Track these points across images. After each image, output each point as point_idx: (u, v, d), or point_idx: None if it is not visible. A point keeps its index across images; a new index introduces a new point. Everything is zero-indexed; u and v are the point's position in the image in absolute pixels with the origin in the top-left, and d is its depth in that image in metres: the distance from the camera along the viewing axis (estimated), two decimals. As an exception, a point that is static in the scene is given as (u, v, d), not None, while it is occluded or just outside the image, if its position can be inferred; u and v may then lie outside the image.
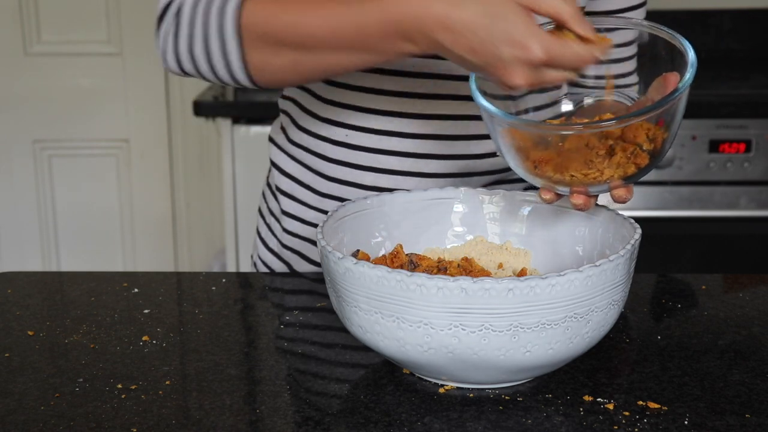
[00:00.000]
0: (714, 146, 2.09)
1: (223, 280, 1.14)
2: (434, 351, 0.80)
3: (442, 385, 0.86)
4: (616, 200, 0.88)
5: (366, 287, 0.80)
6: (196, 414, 0.82)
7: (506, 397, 0.84)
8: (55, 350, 0.95)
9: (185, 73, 1.00)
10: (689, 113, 2.32)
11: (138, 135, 2.77)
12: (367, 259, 0.93)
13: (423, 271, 0.91)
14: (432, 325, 0.78)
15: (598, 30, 0.99)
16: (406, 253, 0.94)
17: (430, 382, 0.87)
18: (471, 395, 0.85)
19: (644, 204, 2.09)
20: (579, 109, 1.04)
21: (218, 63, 0.96)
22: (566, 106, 1.08)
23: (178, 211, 2.84)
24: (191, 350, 0.95)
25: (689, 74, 0.84)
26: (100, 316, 1.02)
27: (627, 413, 0.81)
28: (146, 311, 1.04)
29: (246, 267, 2.32)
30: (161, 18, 0.99)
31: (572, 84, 1.26)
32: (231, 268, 2.36)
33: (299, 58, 0.93)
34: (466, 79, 1.06)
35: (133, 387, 0.86)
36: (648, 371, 0.90)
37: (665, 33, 0.92)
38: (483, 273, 0.94)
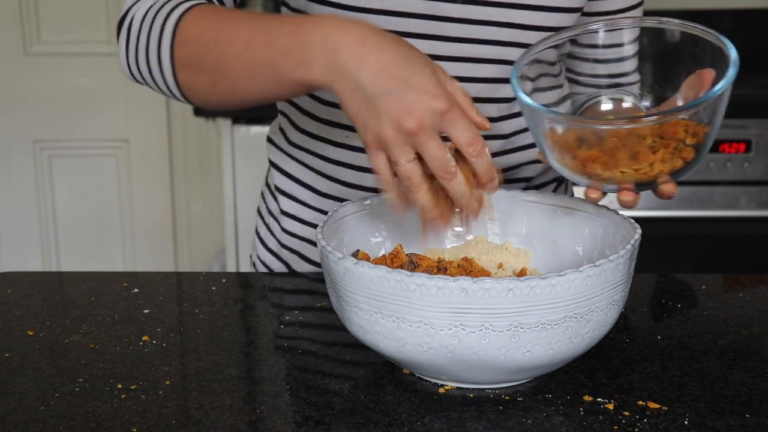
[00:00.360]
0: (714, 146, 2.09)
1: (223, 280, 1.14)
2: (434, 351, 0.80)
3: (442, 385, 0.86)
4: (664, 196, 0.89)
5: (366, 287, 0.80)
6: (196, 414, 0.82)
7: (506, 397, 0.84)
8: (55, 350, 0.95)
9: (140, 83, 1.01)
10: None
11: (138, 135, 2.77)
12: (367, 259, 0.93)
13: (423, 271, 0.91)
14: (432, 325, 0.78)
15: (610, 30, 1.00)
16: (406, 253, 0.94)
17: (430, 382, 0.87)
18: (471, 395, 0.85)
19: (644, 204, 2.09)
20: (616, 108, 1.05)
21: (157, 78, 0.98)
22: (606, 105, 1.09)
23: (178, 211, 2.84)
24: (191, 350, 0.95)
25: (732, 71, 0.85)
26: (100, 316, 1.02)
27: (627, 413, 0.81)
28: (146, 311, 1.04)
29: (246, 267, 2.32)
30: (119, 27, 1.00)
31: (572, 81, 1.26)
32: (231, 268, 2.36)
33: (216, 79, 0.93)
34: (467, 80, 1.06)
35: (133, 387, 0.86)
36: (648, 371, 0.90)
37: (699, 30, 0.93)
38: (483, 273, 0.94)
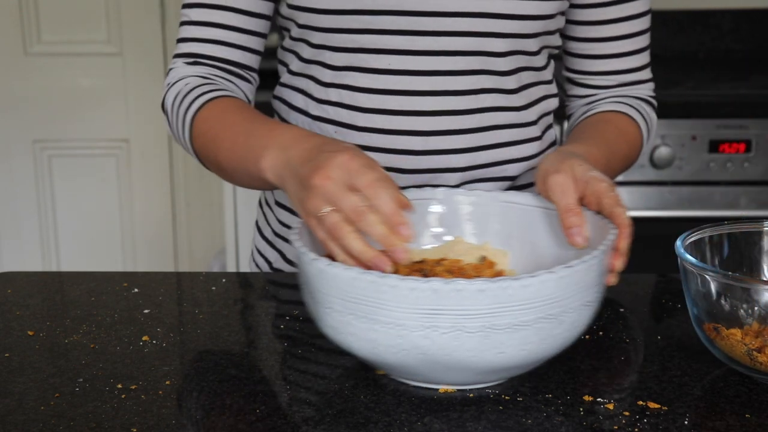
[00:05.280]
0: (714, 146, 2.09)
1: (223, 280, 1.14)
2: (407, 352, 0.80)
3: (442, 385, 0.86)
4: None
5: (340, 288, 0.80)
6: (196, 414, 0.82)
7: (506, 397, 0.84)
8: (55, 350, 0.95)
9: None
10: (689, 113, 2.30)
11: (138, 135, 2.77)
12: None
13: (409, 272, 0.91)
14: (404, 326, 0.78)
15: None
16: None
17: (430, 382, 0.87)
18: (471, 395, 0.85)
19: (644, 204, 2.09)
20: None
21: (194, 156, 1.13)
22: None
23: (178, 211, 2.83)
24: (191, 350, 0.95)
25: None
26: (100, 316, 1.02)
27: (627, 413, 0.81)
28: (146, 311, 1.04)
29: (246, 267, 2.31)
30: (163, 104, 1.15)
31: (569, 81, 1.24)
32: (231, 268, 2.36)
33: (217, 169, 1.09)
34: (445, 74, 1.08)
35: (133, 387, 0.86)
36: (648, 371, 0.90)
37: None
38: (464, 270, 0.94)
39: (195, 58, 1.13)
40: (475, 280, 0.76)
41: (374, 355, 0.82)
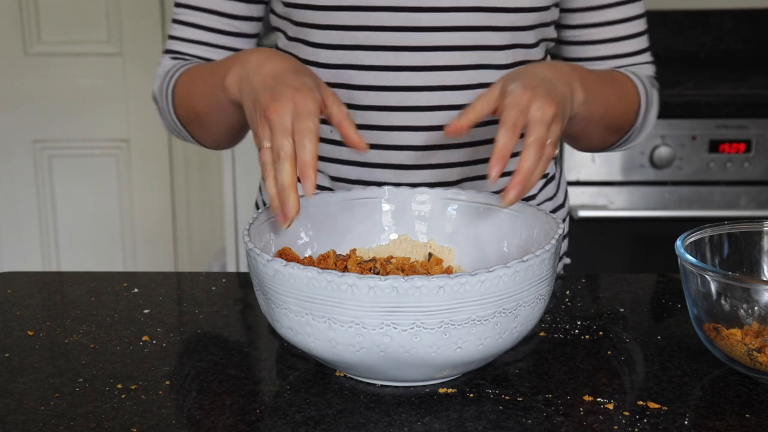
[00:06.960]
0: (714, 146, 2.09)
1: (223, 280, 1.14)
2: (366, 351, 0.80)
3: (442, 385, 0.86)
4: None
5: (296, 289, 0.80)
6: (196, 414, 0.82)
7: (506, 397, 0.84)
8: (55, 350, 0.95)
9: (187, 140, 1.23)
10: (689, 113, 2.30)
11: (138, 135, 2.77)
12: (296, 258, 0.93)
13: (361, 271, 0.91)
14: (364, 324, 0.79)
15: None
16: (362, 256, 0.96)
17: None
18: (471, 395, 0.85)
19: (644, 204, 2.09)
20: None
21: (186, 137, 1.20)
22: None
23: (178, 211, 2.83)
24: (191, 350, 0.95)
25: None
26: (100, 316, 1.03)
27: (627, 413, 0.81)
28: (146, 311, 1.04)
29: (246, 267, 2.31)
30: (155, 101, 1.21)
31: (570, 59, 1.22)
32: (231, 268, 2.36)
33: (200, 122, 1.14)
34: (443, 69, 1.08)
35: (133, 387, 0.86)
36: (648, 371, 0.90)
37: None
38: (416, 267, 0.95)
39: (181, 56, 1.18)
40: (433, 276, 0.77)
41: (333, 355, 0.82)
